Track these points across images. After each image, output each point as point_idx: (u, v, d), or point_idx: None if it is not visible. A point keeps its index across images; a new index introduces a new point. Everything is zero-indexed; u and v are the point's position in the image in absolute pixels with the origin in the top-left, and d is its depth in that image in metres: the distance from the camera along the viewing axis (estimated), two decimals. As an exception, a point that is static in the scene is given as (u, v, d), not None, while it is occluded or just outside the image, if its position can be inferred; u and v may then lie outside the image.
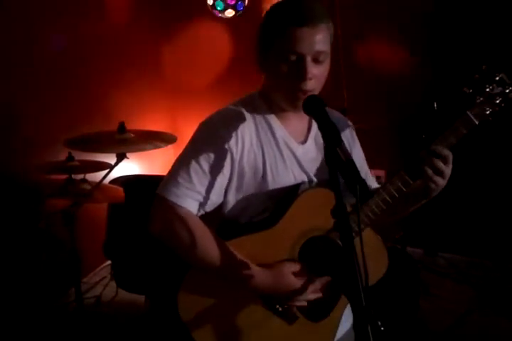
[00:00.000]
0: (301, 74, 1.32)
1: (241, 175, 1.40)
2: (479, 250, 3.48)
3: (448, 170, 1.35)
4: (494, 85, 1.35)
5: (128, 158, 2.40)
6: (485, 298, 3.12)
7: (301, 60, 1.31)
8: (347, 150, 1.11)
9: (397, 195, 1.38)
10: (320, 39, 1.32)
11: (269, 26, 1.36)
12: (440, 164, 1.34)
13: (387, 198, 1.38)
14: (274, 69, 1.35)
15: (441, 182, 1.36)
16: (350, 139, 1.58)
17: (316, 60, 1.33)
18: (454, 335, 2.76)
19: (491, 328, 2.82)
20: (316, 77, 1.34)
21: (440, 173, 1.35)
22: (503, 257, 3.43)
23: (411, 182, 1.37)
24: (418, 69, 3.46)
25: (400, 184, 1.37)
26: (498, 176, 3.37)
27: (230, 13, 3.57)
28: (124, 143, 2.45)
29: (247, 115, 1.43)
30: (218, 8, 3.48)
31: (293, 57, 1.32)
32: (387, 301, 2.49)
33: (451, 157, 1.35)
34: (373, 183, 1.64)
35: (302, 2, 1.34)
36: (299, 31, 1.30)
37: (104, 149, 2.47)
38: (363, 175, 1.55)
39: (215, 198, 1.40)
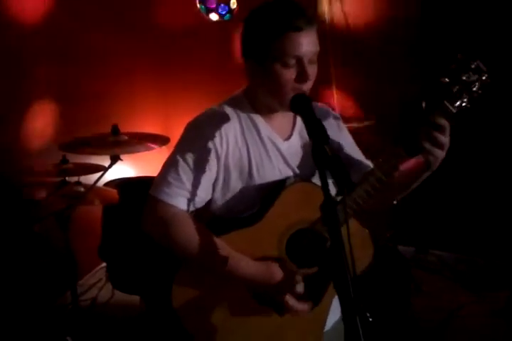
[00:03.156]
0: (303, 77, 1.36)
1: (227, 173, 1.45)
2: (470, 247, 3.51)
3: (446, 140, 1.30)
4: (470, 73, 1.34)
5: (122, 160, 2.42)
6: (475, 294, 3.15)
7: (300, 63, 1.35)
8: (333, 146, 1.14)
9: (390, 176, 1.33)
10: (314, 41, 1.37)
11: (262, 31, 1.37)
12: (438, 135, 1.29)
13: (378, 181, 1.34)
14: (272, 74, 1.37)
15: (441, 154, 1.31)
16: (336, 130, 1.60)
17: (310, 61, 1.37)
18: (445, 332, 2.79)
19: (481, 325, 2.85)
20: (311, 76, 1.38)
21: (439, 145, 1.29)
22: (494, 254, 3.46)
23: (406, 156, 1.32)
24: (410, 66, 3.49)
25: (393, 162, 1.32)
26: (489, 174, 3.40)
27: (214, 16, 3.58)
28: (117, 145, 2.47)
29: (232, 115, 1.47)
30: (202, 12, 3.50)
31: (292, 61, 1.35)
32: (379, 299, 2.52)
33: (448, 126, 1.30)
34: (370, 164, 1.61)
35: (294, 6, 1.37)
36: (297, 36, 1.33)
37: (98, 151, 2.50)
38: (358, 157, 1.59)
39: (204, 195, 1.45)
